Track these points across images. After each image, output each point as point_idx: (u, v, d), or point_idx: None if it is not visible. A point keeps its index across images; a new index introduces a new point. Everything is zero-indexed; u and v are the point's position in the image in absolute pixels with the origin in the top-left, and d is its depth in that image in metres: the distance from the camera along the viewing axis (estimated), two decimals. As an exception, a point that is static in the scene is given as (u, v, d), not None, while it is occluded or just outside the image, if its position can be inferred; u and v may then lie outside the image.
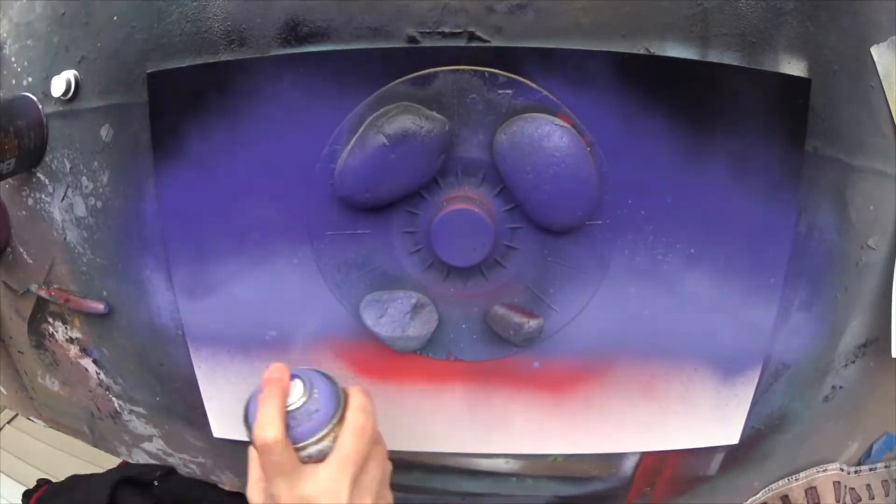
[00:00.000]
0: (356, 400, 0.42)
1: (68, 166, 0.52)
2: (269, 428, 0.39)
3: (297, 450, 0.40)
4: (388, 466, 0.45)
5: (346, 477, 0.40)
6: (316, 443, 0.40)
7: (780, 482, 0.62)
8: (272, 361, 0.51)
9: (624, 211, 0.48)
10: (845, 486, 0.62)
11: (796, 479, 0.62)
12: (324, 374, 0.44)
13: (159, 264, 0.52)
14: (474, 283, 0.50)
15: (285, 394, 0.41)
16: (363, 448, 0.41)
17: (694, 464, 0.59)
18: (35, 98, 0.52)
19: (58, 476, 0.66)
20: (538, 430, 0.55)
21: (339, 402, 0.42)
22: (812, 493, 0.61)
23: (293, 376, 0.42)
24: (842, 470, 0.62)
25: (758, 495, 0.62)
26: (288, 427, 0.40)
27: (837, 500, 0.62)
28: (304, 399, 0.41)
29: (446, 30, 0.44)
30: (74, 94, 0.50)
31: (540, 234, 0.48)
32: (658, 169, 0.47)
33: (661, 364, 0.53)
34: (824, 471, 0.62)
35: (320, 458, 0.40)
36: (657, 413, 0.54)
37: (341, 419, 0.41)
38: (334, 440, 0.41)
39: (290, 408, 0.41)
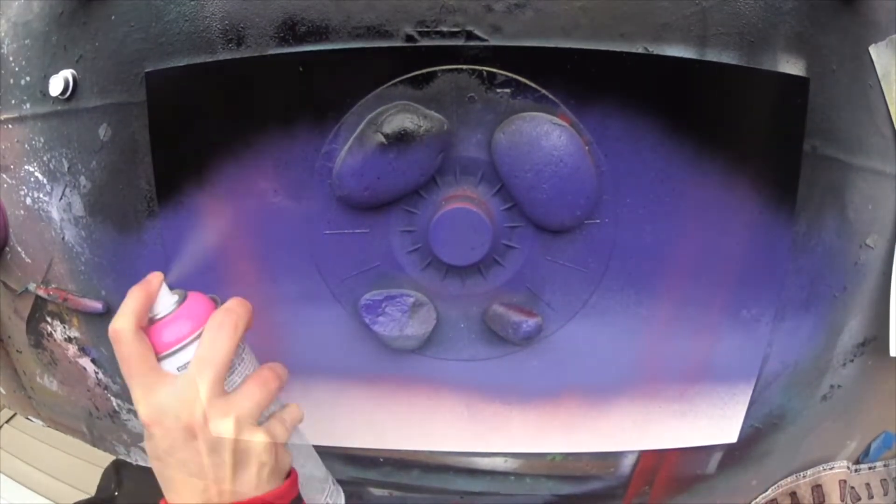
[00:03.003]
0: (224, 305, 0.40)
1: (66, 166, 0.52)
2: (119, 318, 0.38)
3: (163, 358, 0.39)
4: (293, 413, 0.43)
5: (205, 381, 0.36)
6: (180, 350, 0.38)
7: (789, 478, 0.62)
8: (271, 360, 0.52)
9: (622, 210, 0.48)
10: (850, 485, 0.63)
11: (804, 476, 0.62)
12: (210, 297, 0.43)
13: (157, 263, 0.52)
14: (473, 282, 0.50)
15: (150, 296, 0.39)
16: (223, 348, 0.38)
17: (692, 462, 0.59)
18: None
19: (56, 475, 0.66)
20: (536, 429, 0.55)
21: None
22: (818, 490, 0.62)
23: (172, 289, 0.42)
24: (849, 468, 0.62)
25: (767, 492, 0.62)
26: (154, 333, 0.39)
27: (842, 499, 0.62)
28: (173, 308, 0.40)
29: (444, 29, 0.44)
30: (72, 93, 0.50)
31: (538, 233, 0.48)
32: (656, 168, 0.47)
33: (660, 363, 0.53)
34: (831, 468, 0.62)
35: None
36: (655, 412, 0.54)
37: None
38: None
39: (157, 315, 0.40)
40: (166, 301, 0.40)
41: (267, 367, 0.42)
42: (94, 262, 0.54)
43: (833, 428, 0.61)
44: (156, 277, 0.41)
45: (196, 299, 0.41)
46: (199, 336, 0.39)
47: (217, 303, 0.42)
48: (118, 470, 0.71)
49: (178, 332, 0.39)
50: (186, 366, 0.38)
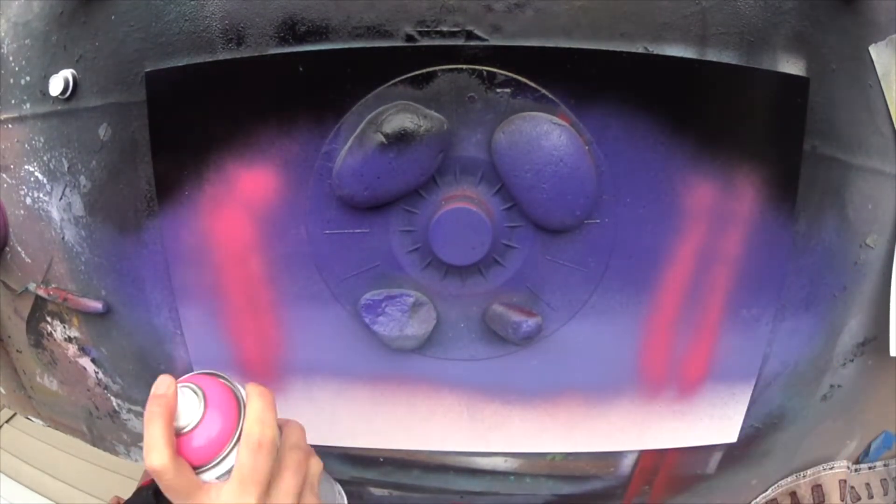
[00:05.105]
0: (252, 409, 0.40)
1: (66, 165, 0.52)
2: (154, 454, 0.37)
3: (202, 472, 0.38)
4: (315, 468, 0.43)
5: (251, 497, 0.38)
6: (219, 463, 0.38)
7: (789, 478, 0.62)
8: (270, 360, 0.52)
9: (622, 209, 0.48)
10: (850, 485, 0.63)
11: (804, 476, 0.62)
12: (222, 380, 0.41)
13: (157, 263, 0.52)
14: (473, 281, 0.50)
15: (171, 412, 0.38)
16: (263, 464, 0.38)
17: (692, 462, 0.59)
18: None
19: (55, 474, 0.66)
20: (536, 428, 0.55)
21: (241, 413, 0.39)
22: (818, 490, 0.62)
23: (185, 388, 0.39)
24: (849, 468, 0.62)
25: (767, 491, 0.62)
26: (186, 446, 0.38)
27: (842, 499, 0.62)
28: (199, 414, 0.38)
29: (444, 28, 0.44)
30: (72, 93, 0.50)
31: (538, 232, 0.48)
32: (656, 168, 0.47)
33: (660, 363, 0.53)
34: (831, 468, 0.62)
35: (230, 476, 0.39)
36: (655, 412, 0.54)
37: (240, 436, 0.39)
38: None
39: (186, 428, 0.38)
40: (190, 409, 0.38)
41: (299, 451, 0.42)
42: (94, 262, 0.54)
43: (833, 428, 0.61)
44: (169, 387, 0.38)
45: (214, 394, 0.39)
46: (235, 444, 0.39)
47: (231, 386, 0.41)
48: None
49: (212, 443, 0.38)
50: (228, 472, 0.38)
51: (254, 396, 0.40)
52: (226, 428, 0.39)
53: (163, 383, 0.38)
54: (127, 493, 0.76)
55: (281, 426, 0.42)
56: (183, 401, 0.38)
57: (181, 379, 0.40)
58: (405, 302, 0.50)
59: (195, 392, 0.39)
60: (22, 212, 0.56)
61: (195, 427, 0.38)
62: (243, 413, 0.40)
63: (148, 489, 0.66)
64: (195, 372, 0.41)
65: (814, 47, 0.47)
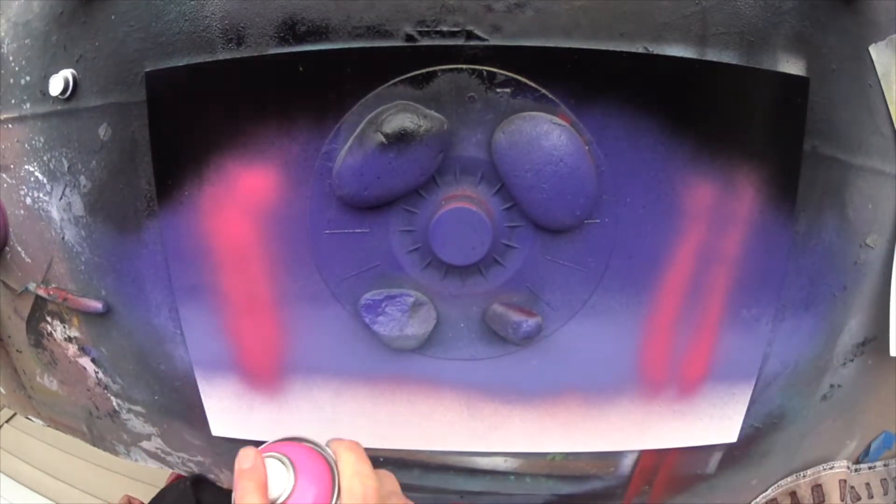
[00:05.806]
0: (347, 467, 0.38)
1: (66, 165, 0.52)
2: None
3: None
4: None
5: None
6: None
7: (789, 478, 0.62)
8: (270, 360, 0.51)
9: (622, 209, 0.48)
10: (850, 485, 0.63)
11: (804, 476, 0.62)
12: (306, 444, 0.40)
13: (157, 263, 0.52)
14: (473, 281, 0.50)
15: (264, 485, 0.36)
16: None
17: (692, 462, 0.59)
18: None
19: (55, 474, 0.66)
20: (536, 428, 0.55)
21: (334, 475, 0.38)
22: (818, 490, 0.62)
23: (270, 458, 0.38)
24: (849, 468, 0.63)
25: (767, 491, 0.62)
26: None
27: (842, 499, 0.62)
28: (290, 484, 0.37)
29: (444, 28, 0.44)
30: (73, 93, 0.50)
31: (538, 232, 0.48)
32: (656, 168, 0.47)
33: (660, 363, 0.53)
34: (831, 468, 0.62)
35: None
36: (655, 412, 0.54)
37: (339, 494, 0.37)
38: None
39: (279, 499, 0.37)
40: (279, 479, 0.37)
41: (389, 495, 0.41)
42: (94, 262, 0.54)
43: (833, 428, 0.61)
44: (255, 458, 0.37)
45: (301, 459, 0.38)
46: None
47: (316, 447, 0.40)
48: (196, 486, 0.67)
49: None
50: None
51: (343, 451, 0.39)
52: (322, 491, 0.37)
53: (247, 456, 0.37)
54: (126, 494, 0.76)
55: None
56: (272, 472, 0.37)
57: (263, 448, 0.39)
58: (405, 302, 0.50)
59: (282, 461, 0.38)
60: (22, 212, 0.56)
61: (289, 496, 0.37)
62: (336, 471, 0.38)
63: (184, 481, 0.63)
64: (274, 440, 0.40)
65: (814, 47, 0.47)
